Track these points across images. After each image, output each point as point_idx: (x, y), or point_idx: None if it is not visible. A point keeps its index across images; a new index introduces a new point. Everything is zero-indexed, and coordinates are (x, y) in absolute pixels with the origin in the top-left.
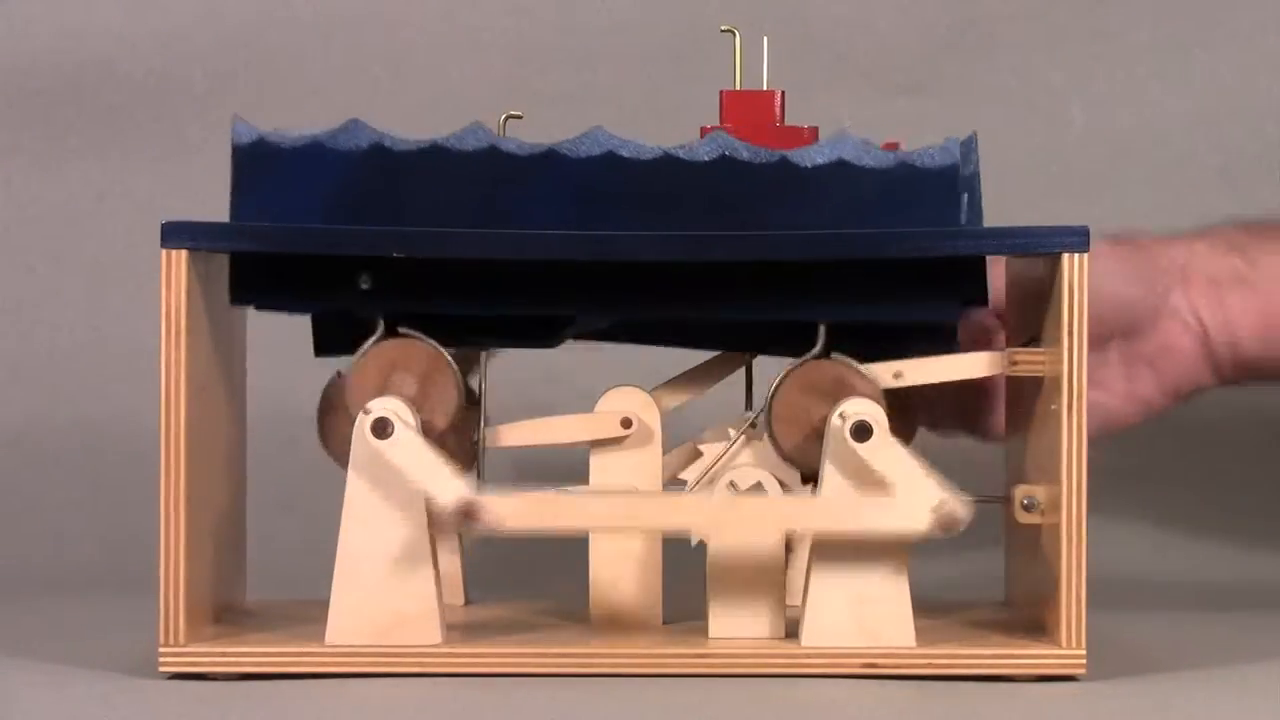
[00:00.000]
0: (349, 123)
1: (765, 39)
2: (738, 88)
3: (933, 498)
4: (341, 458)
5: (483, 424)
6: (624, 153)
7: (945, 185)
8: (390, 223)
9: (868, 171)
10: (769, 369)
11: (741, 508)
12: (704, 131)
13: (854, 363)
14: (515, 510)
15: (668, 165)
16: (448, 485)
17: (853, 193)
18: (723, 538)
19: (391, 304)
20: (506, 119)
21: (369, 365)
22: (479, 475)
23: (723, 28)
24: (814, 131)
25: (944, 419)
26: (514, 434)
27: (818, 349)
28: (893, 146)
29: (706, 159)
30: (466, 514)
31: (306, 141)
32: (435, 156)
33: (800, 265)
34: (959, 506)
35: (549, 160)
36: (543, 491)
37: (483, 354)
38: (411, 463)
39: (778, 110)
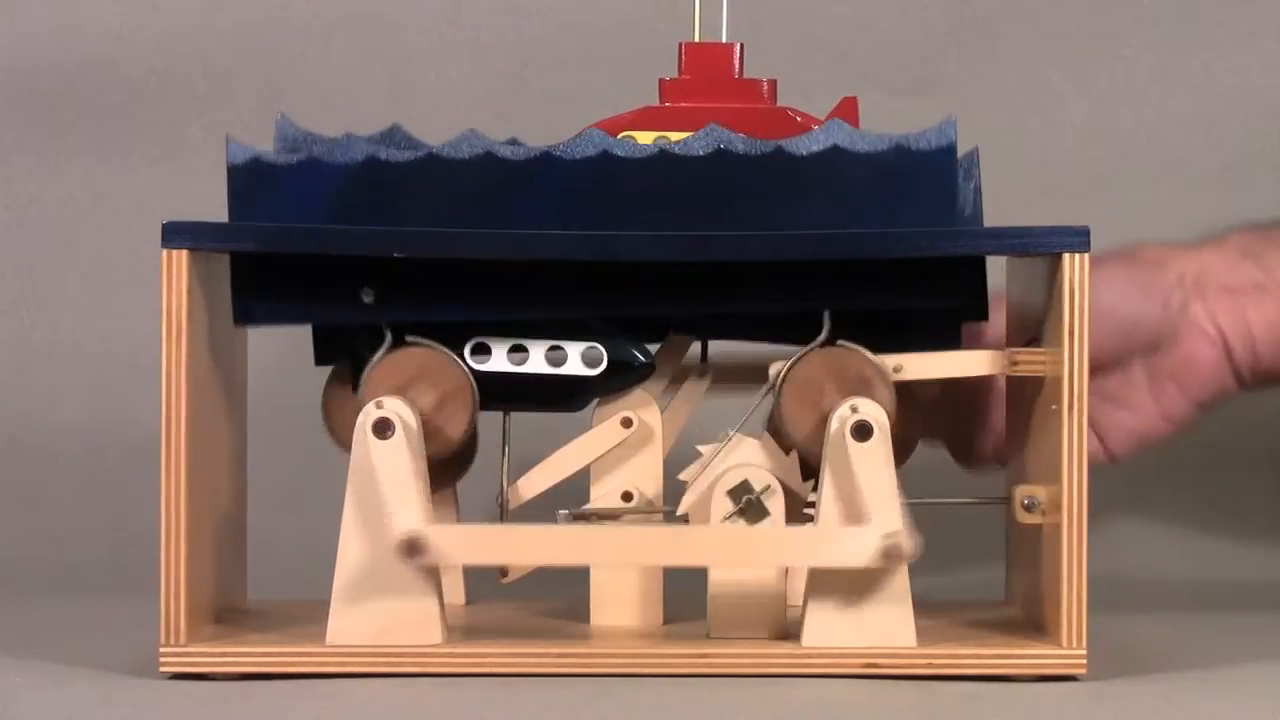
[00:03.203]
0: (343, 137)
1: None
2: (696, 39)
3: (890, 526)
4: (343, 441)
5: (504, 483)
6: (619, 152)
7: (942, 166)
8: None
9: (863, 156)
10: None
11: (690, 540)
12: (661, 83)
13: (883, 366)
14: (462, 545)
15: (663, 162)
16: (405, 514)
17: (850, 178)
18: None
19: (395, 314)
20: None
21: (390, 369)
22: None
23: None
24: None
25: (935, 427)
26: (534, 483)
27: (823, 336)
28: None
29: (702, 153)
30: (411, 548)
31: (302, 158)
32: (431, 166)
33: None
34: (907, 542)
35: (545, 163)
36: (491, 525)
37: (504, 415)
38: (389, 474)
39: (736, 63)
